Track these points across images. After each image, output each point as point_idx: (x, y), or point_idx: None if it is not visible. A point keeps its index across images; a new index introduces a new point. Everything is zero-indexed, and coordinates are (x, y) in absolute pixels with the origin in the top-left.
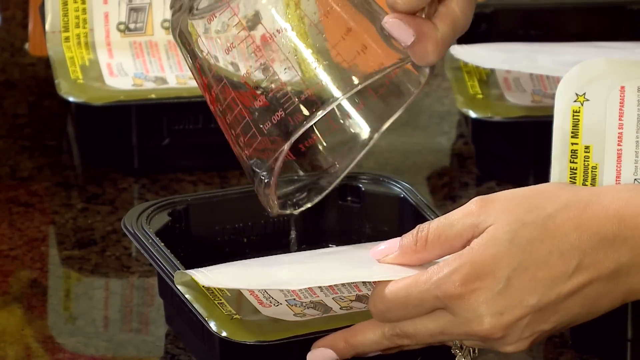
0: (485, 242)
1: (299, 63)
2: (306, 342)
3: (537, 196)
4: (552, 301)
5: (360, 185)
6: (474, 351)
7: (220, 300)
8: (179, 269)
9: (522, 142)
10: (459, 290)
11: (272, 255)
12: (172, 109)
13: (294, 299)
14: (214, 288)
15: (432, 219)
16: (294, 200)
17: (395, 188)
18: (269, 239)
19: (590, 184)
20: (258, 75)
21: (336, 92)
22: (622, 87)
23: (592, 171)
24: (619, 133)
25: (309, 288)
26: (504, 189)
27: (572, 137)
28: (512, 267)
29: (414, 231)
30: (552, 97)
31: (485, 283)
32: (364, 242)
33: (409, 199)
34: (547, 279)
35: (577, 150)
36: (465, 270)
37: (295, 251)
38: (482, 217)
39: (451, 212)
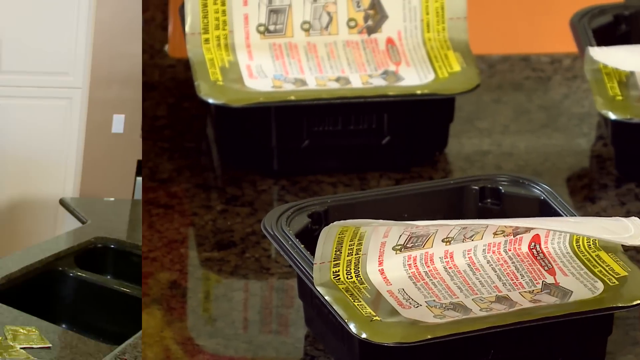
0: None
1: None
2: (447, 344)
3: None
4: None
5: (500, 187)
6: None
7: (360, 301)
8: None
9: None
10: None
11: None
12: (311, 110)
13: (434, 300)
14: (353, 289)
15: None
16: None
17: (535, 190)
18: None
19: None
20: None
21: None
22: None
23: None
24: None
25: (448, 288)
26: None
27: None
28: None
29: None
30: None
31: None
32: None
33: (549, 201)
34: None
35: None
36: None
37: None
38: None
39: None
